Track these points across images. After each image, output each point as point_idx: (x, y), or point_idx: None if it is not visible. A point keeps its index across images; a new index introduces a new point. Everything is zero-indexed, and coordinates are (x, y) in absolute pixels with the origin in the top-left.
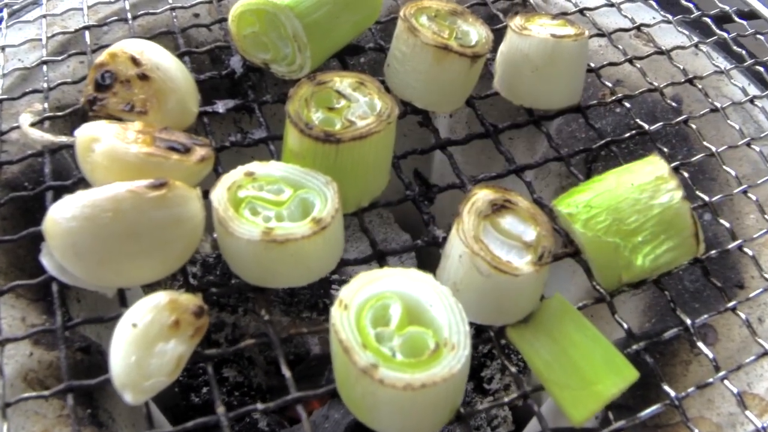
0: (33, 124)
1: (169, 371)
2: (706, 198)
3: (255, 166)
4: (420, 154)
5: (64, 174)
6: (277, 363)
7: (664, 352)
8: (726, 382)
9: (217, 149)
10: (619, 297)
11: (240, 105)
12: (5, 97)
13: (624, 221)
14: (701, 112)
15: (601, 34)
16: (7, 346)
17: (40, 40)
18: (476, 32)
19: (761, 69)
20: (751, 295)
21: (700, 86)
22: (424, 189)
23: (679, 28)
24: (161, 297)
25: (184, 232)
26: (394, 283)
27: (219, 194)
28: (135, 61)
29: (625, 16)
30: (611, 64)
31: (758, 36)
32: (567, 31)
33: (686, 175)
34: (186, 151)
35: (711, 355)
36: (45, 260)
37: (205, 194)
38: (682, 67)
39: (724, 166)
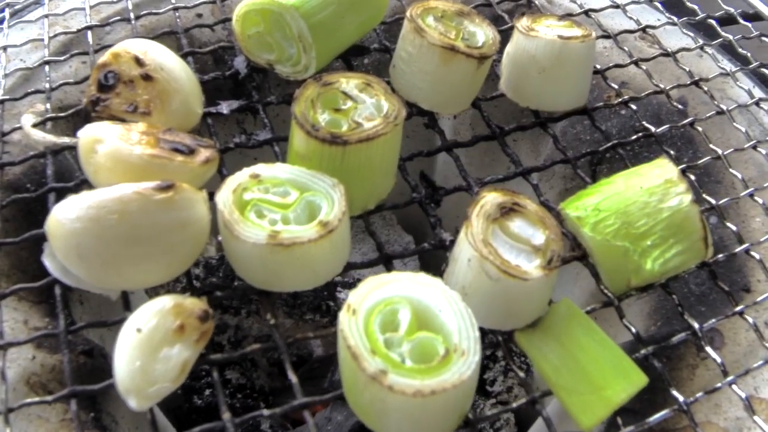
0: (35, 125)
1: (174, 377)
2: (713, 201)
3: (260, 168)
4: (426, 156)
5: (67, 175)
6: (280, 365)
7: (670, 356)
8: (734, 386)
9: (222, 150)
10: (624, 301)
11: (244, 106)
12: (7, 97)
13: (633, 225)
14: (707, 115)
15: (607, 36)
16: (9, 349)
17: (42, 40)
18: (483, 33)
19: (766, 71)
20: (758, 299)
21: (705, 88)
22: (431, 191)
23: (684, 30)
24: (165, 301)
25: (190, 235)
26: (402, 288)
27: (224, 197)
28: (138, 62)
29: (631, 18)
30: (617, 65)
31: (763, 38)
32: (574, 32)
33: (693, 177)
34: (190, 153)
35: (719, 360)
36: (47, 261)
37: (210, 196)
38: (687, 69)
39: (731, 169)
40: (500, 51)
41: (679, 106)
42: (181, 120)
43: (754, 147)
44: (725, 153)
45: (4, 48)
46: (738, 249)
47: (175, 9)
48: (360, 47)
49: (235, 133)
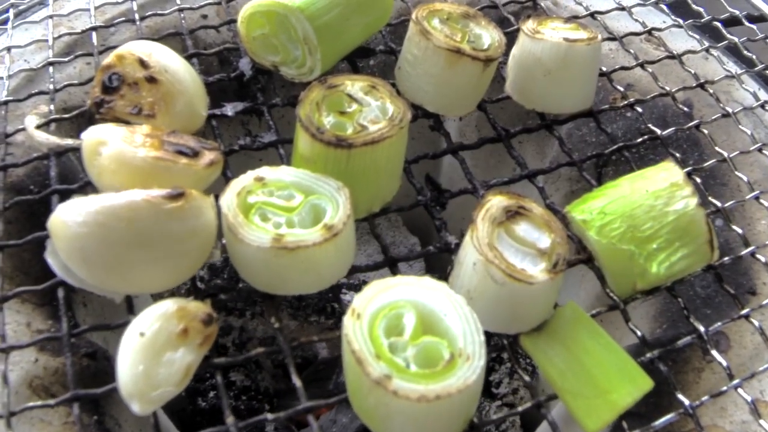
0: (39, 127)
1: (178, 381)
2: (719, 204)
3: (265, 171)
4: (431, 159)
5: (70, 177)
6: (285, 367)
7: (676, 360)
8: (740, 390)
9: (226, 153)
10: (629, 304)
11: (249, 108)
12: (11, 98)
13: (639, 228)
14: (713, 117)
15: (613, 38)
16: (12, 352)
17: (47, 40)
18: (489, 36)
19: None
20: (764, 302)
21: (711, 91)
22: (436, 194)
23: (689, 33)
24: (169, 305)
25: (199, 243)
26: (407, 292)
27: (228, 200)
28: (143, 64)
29: (636, 20)
30: (622, 68)
31: None
32: (580, 35)
33: (698, 180)
34: (194, 155)
35: (725, 363)
36: (50, 259)
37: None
38: (693, 72)
39: (736, 172)
40: (506, 53)
41: (685, 109)
42: (185, 122)
43: (760, 150)
44: (731, 156)
45: (8, 49)
46: (744, 252)
47: (180, 10)
48: (365, 49)
49: (239, 135)
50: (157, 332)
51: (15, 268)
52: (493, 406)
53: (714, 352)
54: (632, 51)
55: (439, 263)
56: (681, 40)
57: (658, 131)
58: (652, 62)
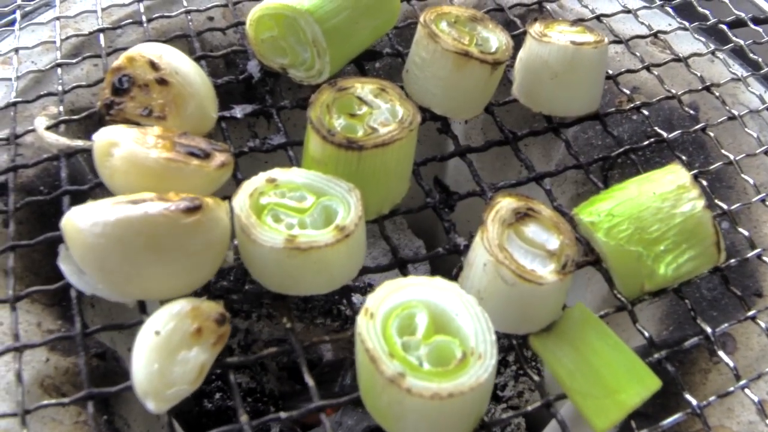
0: (48, 128)
1: (192, 379)
2: (725, 206)
3: (277, 173)
4: (440, 161)
5: (79, 178)
6: (289, 369)
7: (683, 361)
8: (746, 390)
9: (235, 155)
10: (636, 305)
11: (258, 110)
12: (20, 99)
13: (646, 230)
14: (719, 120)
15: (618, 41)
16: (24, 352)
17: (54, 42)
18: (496, 39)
19: None
20: None
21: (717, 93)
22: (444, 196)
23: (695, 35)
24: (183, 304)
25: (215, 253)
26: (419, 292)
27: (241, 201)
28: (153, 66)
29: (642, 23)
30: (628, 71)
31: None
32: (586, 38)
33: (704, 183)
34: (206, 157)
35: (732, 364)
36: (63, 265)
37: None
38: (699, 74)
39: (742, 174)
40: (512, 56)
41: (691, 112)
42: (196, 124)
43: (766, 152)
44: (737, 158)
45: (16, 50)
46: (750, 254)
47: (187, 12)
48: (372, 52)
49: (245, 138)
50: (171, 331)
51: (25, 268)
52: (499, 409)
53: (721, 353)
54: (638, 54)
55: (443, 265)
56: (687, 42)
57: (665, 134)
58: (658, 65)
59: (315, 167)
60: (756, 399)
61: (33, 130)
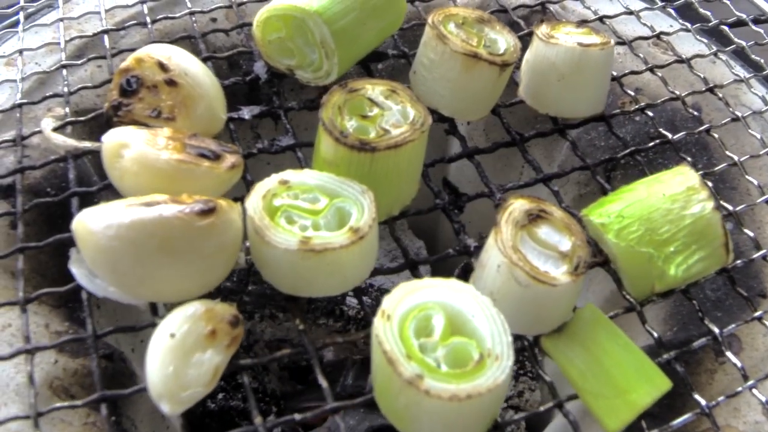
0: (55, 129)
1: (207, 381)
2: (730, 207)
3: (289, 175)
4: (448, 162)
5: (86, 180)
6: (290, 369)
7: (689, 361)
8: (753, 390)
9: (244, 156)
10: (644, 306)
11: (266, 111)
12: (25, 101)
13: (656, 231)
14: (722, 121)
15: (621, 42)
16: (35, 354)
17: (58, 43)
18: (504, 40)
19: None
20: None
21: (720, 95)
22: (453, 197)
23: (697, 37)
24: (197, 306)
25: (228, 255)
26: (435, 294)
27: (254, 203)
28: (162, 67)
29: (645, 24)
30: (632, 72)
31: None
32: (593, 39)
33: (710, 184)
34: (216, 158)
35: (739, 364)
36: (74, 268)
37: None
38: (702, 76)
39: (746, 176)
40: (519, 58)
41: (694, 113)
42: (205, 125)
43: None
44: (741, 159)
45: (20, 51)
46: (755, 255)
47: (191, 13)
48: (378, 53)
49: (248, 139)
50: (186, 334)
51: (32, 270)
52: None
53: (729, 354)
54: (641, 55)
55: (444, 266)
56: (689, 44)
57: (669, 135)
58: (661, 66)
59: (326, 169)
60: (763, 399)
61: (39, 132)
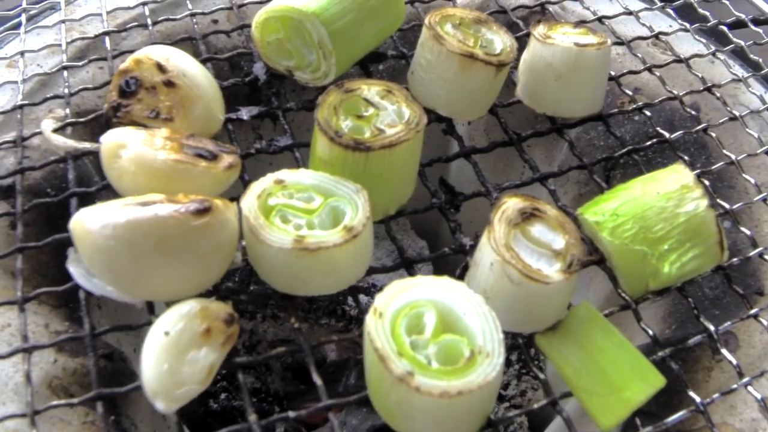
0: (55, 130)
1: (201, 379)
2: (727, 206)
3: (285, 174)
4: (445, 162)
5: (86, 180)
6: (293, 369)
7: (686, 359)
8: (749, 388)
9: (242, 156)
10: (640, 304)
11: (264, 112)
12: (26, 102)
13: (650, 229)
14: (720, 121)
15: (620, 43)
16: (33, 353)
17: (60, 45)
18: (501, 40)
19: None
20: None
21: (718, 94)
22: (450, 197)
23: (696, 36)
24: (192, 305)
25: (224, 254)
26: (427, 292)
27: (249, 202)
28: (161, 68)
29: (643, 24)
30: (630, 72)
31: None
32: (590, 39)
33: (706, 183)
34: (213, 158)
35: (735, 362)
36: (72, 267)
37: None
38: (700, 75)
39: (744, 174)
40: (516, 58)
41: (692, 112)
42: (203, 126)
43: (767, 152)
44: (738, 158)
45: (22, 53)
46: (752, 253)
47: (192, 15)
48: (377, 54)
49: (250, 139)
50: (181, 332)
51: (32, 270)
52: (502, 408)
53: (724, 351)
54: (639, 55)
55: (446, 266)
56: (687, 43)
57: (667, 134)
58: (660, 66)
59: (322, 168)
60: (759, 396)
61: (40, 133)
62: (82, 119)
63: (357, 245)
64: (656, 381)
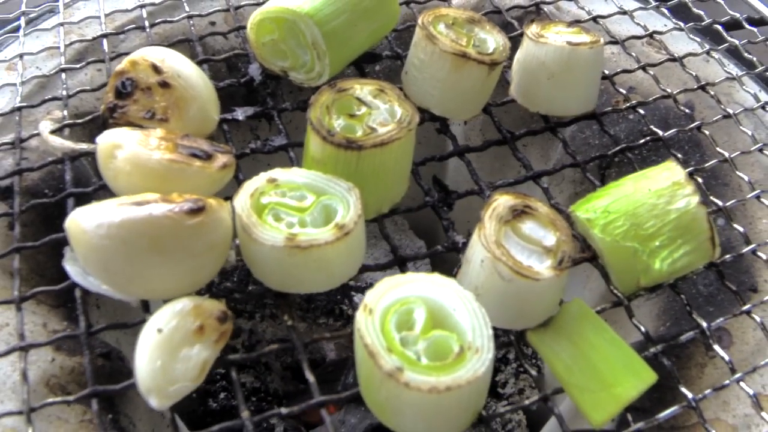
0: (53, 132)
1: (194, 376)
2: (720, 203)
3: (277, 173)
4: (438, 161)
5: (83, 181)
6: (293, 368)
7: (679, 355)
8: (742, 384)
9: (237, 156)
10: (633, 301)
11: (259, 112)
12: (24, 104)
13: (642, 226)
14: (714, 119)
15: (615, 42)
16: (30, 351)
17: (58, 47)
18: (493, 40)
19: None
20: (765, 298)
21: (712, 93)
22: (443, 195)
23: (690, 35)
24: (186, 303)
25: (218, 253)
26: (418, 288)
27: (242, 201)
28: (156, 69)
29: (638, 24)
30: (625, 71)
31: None
32: (582, 38)
33: (700, 180)
34: (208, 158)
35: (727, 358)
36: (68, 266)
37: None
38: (694, 74)
39: (737, 172)
40: (510, 57)
41: (686, 111)
42: (198, 126)
43: (761, 150)
44: (732, 156)
45: (21, 56)
46: (745, 250)
47: (189, 17)
48: (372, 54)
49: (248, 139)
50: (174, 329)
51: (31, 270)
52: (499, 406)
53: (716, 347)
54: (634, 54)
55: (444, 264)
56: (682, 43)
57: (661, 132)
58: (654, 65)
59: (315, 167)
60: (751, 392)
61: (38, 134)
62: (79, 121)
63: (349, 243)
64: (648, 377)
